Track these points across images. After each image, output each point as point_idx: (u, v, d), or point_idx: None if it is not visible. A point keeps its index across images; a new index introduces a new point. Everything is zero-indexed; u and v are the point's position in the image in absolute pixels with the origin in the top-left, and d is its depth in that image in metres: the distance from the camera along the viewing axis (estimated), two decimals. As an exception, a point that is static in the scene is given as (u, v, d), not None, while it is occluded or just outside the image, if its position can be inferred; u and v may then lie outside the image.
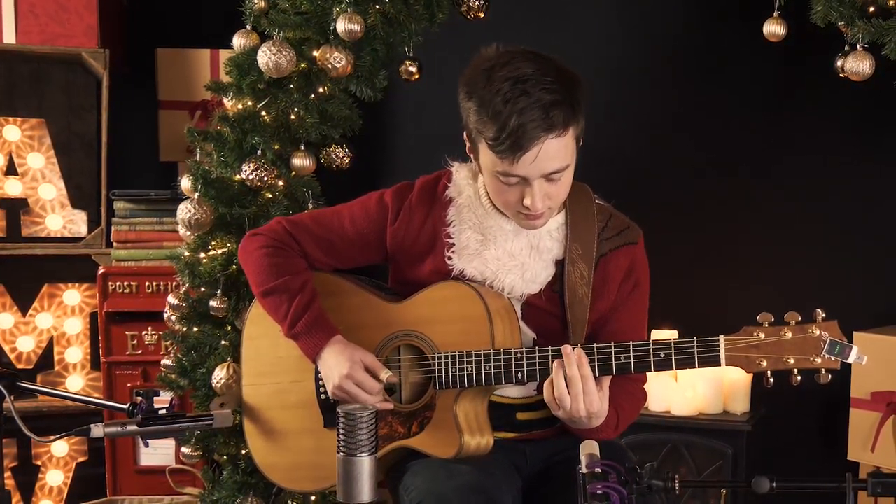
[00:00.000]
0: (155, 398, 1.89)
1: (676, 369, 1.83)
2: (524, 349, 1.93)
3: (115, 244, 3.31)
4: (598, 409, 1.87)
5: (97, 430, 1.82)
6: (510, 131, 1.82)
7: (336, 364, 2.01)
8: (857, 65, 2.52)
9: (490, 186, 1.97)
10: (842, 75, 2.59)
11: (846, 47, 2.56)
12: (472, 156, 1.99)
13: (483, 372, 1.94)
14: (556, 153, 1.86)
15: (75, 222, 3.47)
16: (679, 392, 2.97)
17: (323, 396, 2.14)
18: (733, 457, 2.89)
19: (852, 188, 3.07)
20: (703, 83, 3.22)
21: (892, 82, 2.51)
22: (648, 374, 2.06)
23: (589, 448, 1.60)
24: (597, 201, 2.09)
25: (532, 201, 1.90)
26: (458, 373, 1.96)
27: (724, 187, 3.21)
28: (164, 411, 1.87)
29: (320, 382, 2.13)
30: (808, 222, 3.13)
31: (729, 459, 2.89)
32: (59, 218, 3.46)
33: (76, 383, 3.45)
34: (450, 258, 2.05)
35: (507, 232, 2.03)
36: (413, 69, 2.93)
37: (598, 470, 1.52)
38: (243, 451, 2.74)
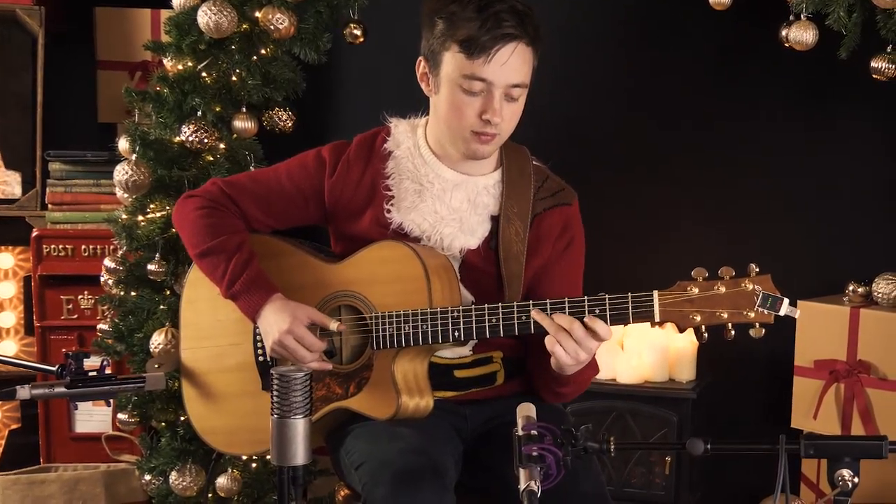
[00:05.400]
0: (85, 360, 1.82)
1: (611, 325, 1.82)
2: (461, 308, 1.91)
3: (50, 206, 3.24)
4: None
5: (23, 392, 1.76)
6: (489, 27, 1.88)
7: (276, 321, 1.97)
8: (801, 34, 2.55)
9: (449, 103, 1.96)
10: (786, 45, 2.60)
11: (790, 17, 2.57)
12: (425, 86, 2.01)
13: (420, 331, 1.92)
14: (521, 65, 1.93)
15: (9, 183, 3.40)
16: (625, 360, 2.97)
17: (261, 358, 2.11)
18: (678, 424, 2.90)
19: (796, 157, 3.08)
20: (648, 49, 3.21)
21: (835, 52, 2.52)
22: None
23: (525, 410, 1.59)
24: (534, 162, 2.11)
25: (494, 111, 1.92)
26: (395, 332, 1.94)
27: (668, 153, 3.21)
28: (94, 374, 1.82)
29: (258, 344, 2.10)
30: (752, 190, 3.14)
31: (674, 427, 2.90)
32: (-8, 179, 3.38)
33: (9, 348, 3.39)
34: (388, 210, 2.04)
35: (446, 182, 2.03)
36: (358, 32, 2.90)
37: (533, 432, 1.52)
38: (181, 418, 2.72)
